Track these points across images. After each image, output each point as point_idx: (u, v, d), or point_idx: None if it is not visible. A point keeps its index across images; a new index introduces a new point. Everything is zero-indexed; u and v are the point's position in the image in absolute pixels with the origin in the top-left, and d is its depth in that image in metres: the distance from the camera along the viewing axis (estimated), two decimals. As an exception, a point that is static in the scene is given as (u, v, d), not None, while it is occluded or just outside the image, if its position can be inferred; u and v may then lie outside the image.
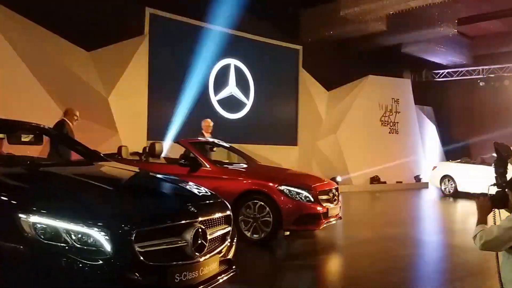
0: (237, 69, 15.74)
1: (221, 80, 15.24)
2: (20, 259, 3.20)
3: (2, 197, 3.49)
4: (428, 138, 22.00)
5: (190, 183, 4.77)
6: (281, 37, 16.84)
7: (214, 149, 9.48)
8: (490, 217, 3.09)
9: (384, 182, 18.17)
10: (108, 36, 12.17)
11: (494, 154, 3.24)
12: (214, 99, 15.04)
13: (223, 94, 15.35)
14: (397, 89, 19.87)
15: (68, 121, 8.81)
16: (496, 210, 3.12)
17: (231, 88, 15.60)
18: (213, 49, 14.90)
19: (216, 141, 9.48)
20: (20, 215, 3.24)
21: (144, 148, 9.20)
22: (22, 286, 3.20)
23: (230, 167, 8.57)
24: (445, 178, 16.61)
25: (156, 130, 12.99)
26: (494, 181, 3.14)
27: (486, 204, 3.11)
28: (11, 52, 10.15)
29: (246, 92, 15.98)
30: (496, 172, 3.15)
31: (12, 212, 3.28)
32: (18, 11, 10.58)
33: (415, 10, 14.11)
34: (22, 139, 4.99)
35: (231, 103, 15.54)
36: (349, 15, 14.49)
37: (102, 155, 5.29)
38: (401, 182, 18.91)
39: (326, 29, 16.11)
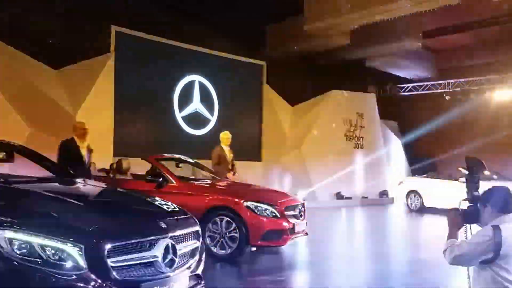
0: (201, 86, 15.85)
1: (186, 97, 15.33)
2: None
3: None
4: (394, 153, 22.16)
5: (158, 199, 4.84)
6: (245, 53, 17.00)
7: (180, 165, 9.52)
8: (461, 232, 3.15)
9: (350, 198, 18.31)
10: (74, 54, 12.21)
11: (461, 169, 3.32)
12: (179, 115, 15.11)
13: (188, 110, 15.43)
14: (361, 104, 19.99)
15: (77, 139, 8.15)
16: (468, 225, 3.17)
17: (196, 105, 15.69)
18: (178, 65, 15.07)
19: (182, 157, 9.54)
20: None
21: (111, 165, 9.21)
22: None
23: (196, 183, 8.64)
24: (411, 193, 16.61)
25: (123, 147, 12.95)
26: (466, 196, 3.18)
27: (457, 218, 3.16)
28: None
29: (210, 108, 16.09)
30: (467, 187, 3.19)
31: None
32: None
33: (379, 24, 14.11)
34: None
35: (196, 119, 15.62)
36: (313, 30, 14.53)
37: (71, 171, 5.34)
38: (366, 197, 18.97)
39: (290, 44, 16.19)
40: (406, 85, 22.37)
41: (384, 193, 19.92)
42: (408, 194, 16.79)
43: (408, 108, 23.20)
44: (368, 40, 16.39)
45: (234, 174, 10.26)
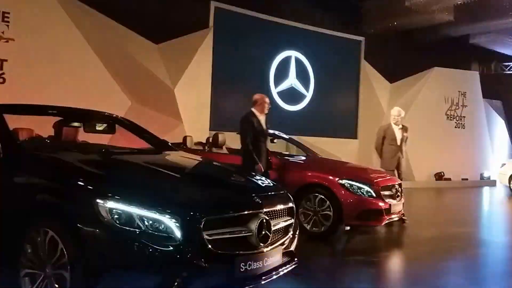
0: (298, 61, 15.75)
1: (281, 72, 15.33)
2: (97, 241, 3.36)
3: (80, 183, 3.67)
4: (497, 134, 21.04)
5: (253, 173, 4.83)
6: (342, 28, 16.70)
7: (275, 140, 9.50)
8: None
9: (449, 179, 17.61)
10: (175, 29, 12.59)
11: None
12: (274, 91, 15.15)
13: (283, 86, 15.43)
14: (464, 82, 19.09)
15: (257, 112, 7.45)
16: None
17: (291, 80, 15.65)
18: (275, 41, 15.05)
19: (276, 132, 9.52)
20: (98, 200, 3.39)
21: (208, 138, 9.39)
22: (98, 268, 3.35)
23: (290, 159, 8.58)
24: None
25: (219, 121, 13.25)
26: None
27: None
28: (85, 46, 10.63)
29: (306, 84, 15.98)
30: None
31: (90, 198, 3.44)
32: (92, 5, 11.10)
33: (484, 0, 13.46)
34: (97, 128, 5.23)
35: (291, 95, 15.59)
36: (415, 6, 14.08)
37: (170, 144, 5.47)
38: (466, 179, 18.23)
39: (389, 19, 15.79)
40: (511, 63, 20.91)
41: (485, 175, 18.96)
42: (511, 177, 15.82)
43: (514, 88, 21.78)
44: (473, 16, 15.55)
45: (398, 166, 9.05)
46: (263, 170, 6.97)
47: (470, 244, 7.94)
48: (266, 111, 7.50)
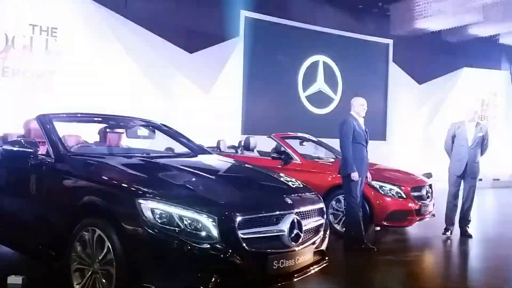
0: (326, 66, 15.85)
1: (310, 77, 15.46)
2: (139, 239, 3.57)
3: (124, 185, 3.94)
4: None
5: (283, 175, 4.97)
6: (370, 32, 16.70)
7: (304, 143, 9.67)
8: None
9: (480, 179, 17.37)
10: (207, 39, 12.99)
11: None
12: (303, 95, 15.31)
13: (312, 90, 15.56)
14: (495, 82, 18.90)
15: (355, 115, 7.06)
16: None
17: (320, 84, 15.77)
18: (303, 46, 15.19)
19: (305, 135, 9.69)
20: (140, 200, 3.62)
21: (240, 142, 9.64)
22: (141, 264, 3.58)
23: (319, 161, 8.72)
24: None
25: (250, 125, 13.54)
26: None
27: None
28: (127, 57, 11.35)
29: (334, 87, 16.06)
30: None
31: (133, 198, 3.67)
32: (131, 19, 11.66)
33: None
34: (138, 134, 5.51)
35: (319, 99, 15.69)
36: (443, 7, 13.94)
37: (205, 148, 5.72)
38: (498, 179, 17.96)
39: (418, 22, 15.62)
40: (545, 62, 20.42)
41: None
42: None
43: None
44: (503, 15, 15.21)
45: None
46: (358, 178, 6.65)
47: (505, 245, 7.82)
48: (363, 114, 7.09)
